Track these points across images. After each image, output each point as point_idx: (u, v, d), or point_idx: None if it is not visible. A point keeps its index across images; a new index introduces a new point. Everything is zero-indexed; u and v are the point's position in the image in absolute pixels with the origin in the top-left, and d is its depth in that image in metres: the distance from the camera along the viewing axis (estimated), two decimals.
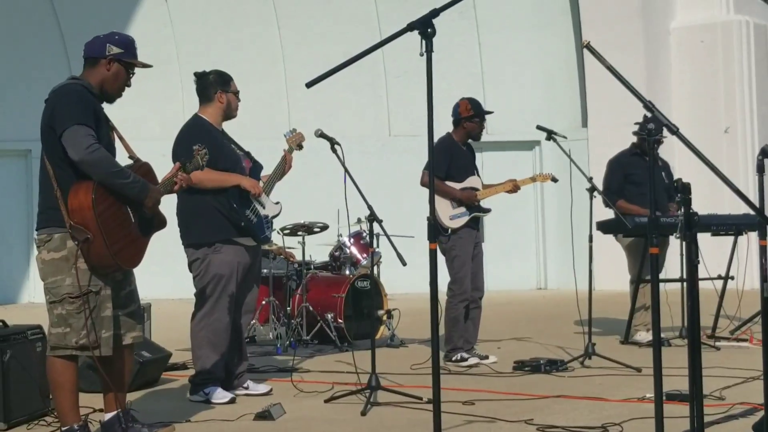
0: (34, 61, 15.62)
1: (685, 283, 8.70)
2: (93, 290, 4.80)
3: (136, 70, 5.16)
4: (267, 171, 6.86)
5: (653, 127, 3.44)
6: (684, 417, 4.52)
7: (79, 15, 15.44)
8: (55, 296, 4.82)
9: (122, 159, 5.09)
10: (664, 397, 5.81)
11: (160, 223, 5.15)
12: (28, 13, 15.86)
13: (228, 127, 6.82)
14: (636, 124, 3.78)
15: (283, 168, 6.87)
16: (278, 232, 9.75)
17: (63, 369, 4.84)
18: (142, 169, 5.08)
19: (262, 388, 6.69)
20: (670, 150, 15.07)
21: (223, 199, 6.40)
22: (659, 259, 8.85)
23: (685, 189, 3.32)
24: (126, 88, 5.12)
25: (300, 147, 7.00)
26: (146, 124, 15.15)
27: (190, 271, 6.54)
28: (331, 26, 15.74)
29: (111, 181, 4.77)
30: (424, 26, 3.61)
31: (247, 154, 6.75)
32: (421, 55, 3.62)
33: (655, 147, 8.73)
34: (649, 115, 3.45)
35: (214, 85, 6.61)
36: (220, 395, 6.32)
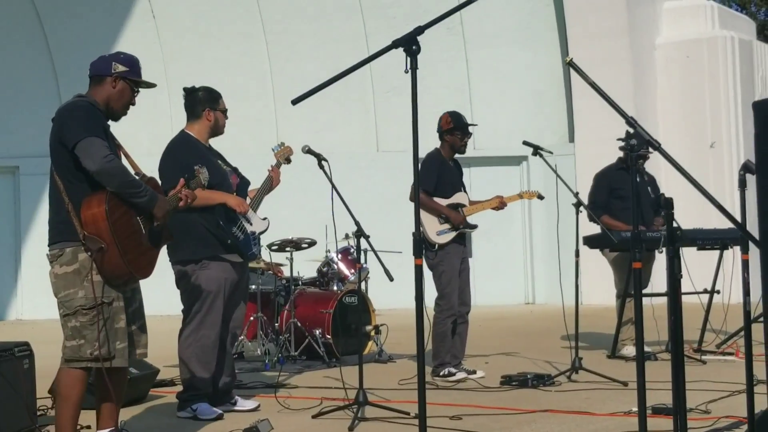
0: (22, 79, 15.63)
1: (678, 299, 8.79)
2: (106, 301, 4.83)
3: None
4: (255, 185, 6.88)
5: (635, 143, 3.48)
6: (669, 430, 4.54)
7: (67, 33, 15.47)
8: (69, 309, 4.84)
9: None
10: (649, 411, 5.92)
11: (168, 236, 5.24)
12: (16, 30, 15.87)
13: (217, 143, 6.84)
14: (619, 140, 3.83)
15: (271, 183, 6.90)
16: (266, 248, 9.78)
17: (73, 382, 4.86)
18: (150, 184, 5.13)
19: (250, 404, 6.68)
20: (656, 165, 15.15)
21: (210, 217, 6.41)
22: (644, 274, 9.01)
23: (668, 204, 3.35)
24: (131, 106, 5.18)
25: (288, 161, 7.03)
26: (135, 140, 15.09)
27: (177, 288, 6.55)
28: (319, 44, 15.81)
29: (125, 191, 4.83)
30: (409, 43, 3.64)
31: (234, 169, 6.75)
32: (406, 72, 3.65)
33: (640, 162, 8.87)
34: (631, 131, 3.48)
35: (202, 102, 6.62)
36: (208, 411, 6.32)
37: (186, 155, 6.29)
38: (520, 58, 16.38)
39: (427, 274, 7.73)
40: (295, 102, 3.74)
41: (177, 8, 16.19)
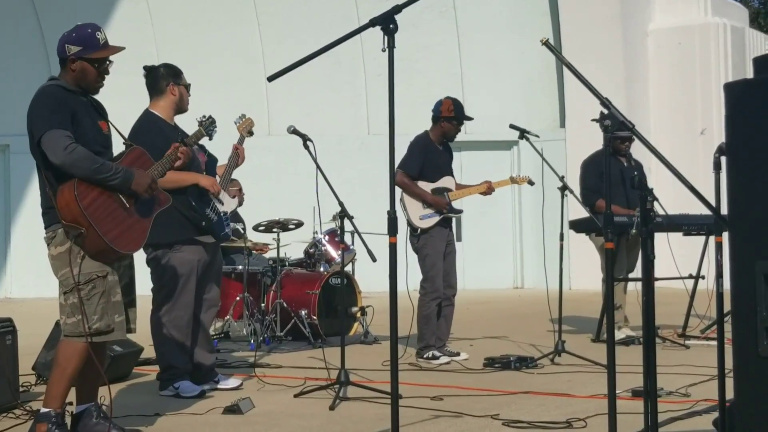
0: (13, 58, 15.60)
1: (651, 282, 8.82)
2: (99, 275, 4.86)
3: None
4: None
5: (609, 124, 3.49)
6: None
7: (58, 12, 15.43)
8: (66, 287, 4.88)
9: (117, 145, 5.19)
10: (629, 393, 5.96)
11: (163, 201, 5.23)
12: (8, 9, 15.83)
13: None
14: (593, 120, 3.85)
15: (237, 160, 6.84)
16: (252, 229, 9.80)
17: (72, 354, 4.88)
18: (133, 154, 5.14)
19: (232, 382, 6.71)
20: (647, 152, 15.20)
21: (183, 198, 6.34)
22: (631, 259, 9.03)
23: (641, 185, 3.37)
24: (105, 76, 5.12)
25: (251, 133, 6.95)
26: (127, 121, 15.13)
27: (148, 267, 6.54)
28: (312, 26, 15.79)
29: (93, 177, 4.82)
30: (386, 22, 3.64)
31: (201, 147, 6.64)
32: (383, 50, 3.65)
33: (626, 145, 8.89)
34: (605, 111, 3.50)
35: (165, 77, 6.54)
36: (190, 388, 6.35)
37: (153, 136, 6.17)
38: (513, 43, 16.37)
39: (412, 257, 7.80)
40: (270, 79, 3.75)
41: None
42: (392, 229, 3.68)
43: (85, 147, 4.86)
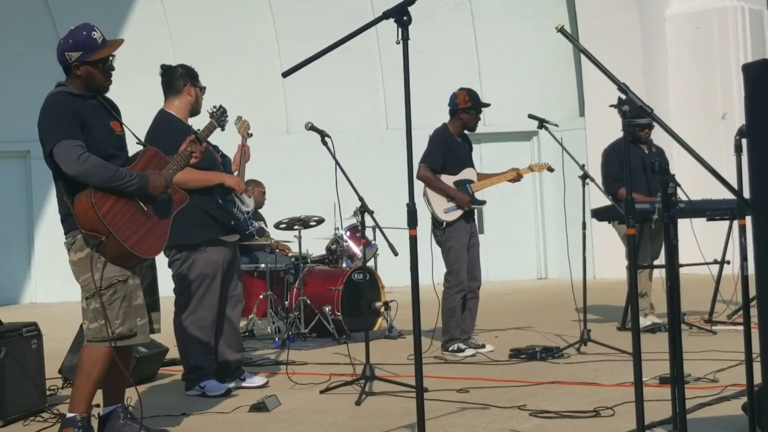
0: (31, 64, 15.65)
1: (674, 267, 8.76)
2: (120, 279, 4.85)
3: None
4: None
5: (628, 109, 3.46)
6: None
7: (75, 16, 15.44)
8: (88, 292, 4.88)
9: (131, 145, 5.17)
10: (656, 380, 5.92)
11: (180, 200, 5.20)
12: (24, 14, 15.90)
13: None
14: (611, 106, 3.80)
15: (246, 159, 6.86)
16: (274, 227, 9.81)
17: (96, 358, 4.88)
18: (147, 155, 5.10)
19: (258, 380, 6.72)
20: (667, 138, 15.10)
21: (209, 199, 6.38)
22: (656, 246, 8.98)
23: (662, 170, 3.34)
24: (112, 72, 5.10)
25: (250, 134, 6.94)
26: (141, 120, 15.17)
27: (170, 268, 6.55)
28: (326, 22, 15.76)
29: (108, 186, 4.80)
30: (400, 14, 3.62)
31: (215, 148, 6.68)
32: (398, 43, 3.63)
33: (646, 132, 8.83)
34: (623, 97, 3.47)
35: (183, 77, 6.54)
36: (216, 387, 6.36)
37: (171, 136, 6.08)
38: (529, 33, 16.29)
39: (436, 251, 7.78)
40: (285, 74, 3.74)
41: None
42: (412, 222, 3.66)
43: (98, 151, 4.83)
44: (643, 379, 5.94)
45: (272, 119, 15.86)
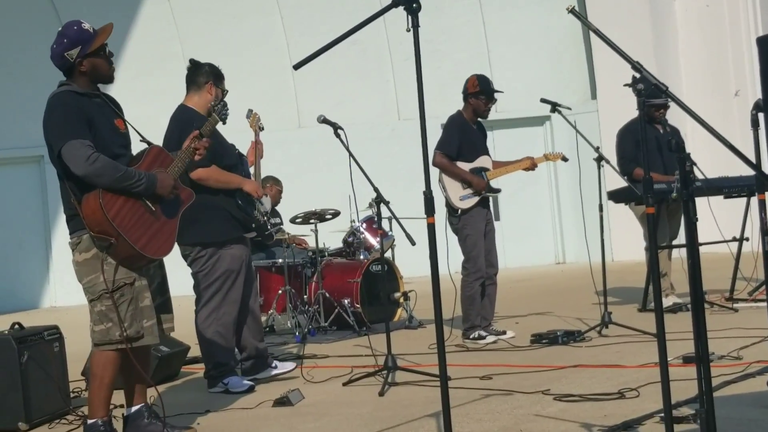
0: (42, 69, 15.64)
1: (695, 245, 8.72)
2: (127, 282, 4.83)
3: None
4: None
5: (642, 88, 3.44)
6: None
7: (82, 16, 15.47)
8: (93, 294, 4.86)
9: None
10: (680, 360, 5.90)
11: (186, 198, 5.16)
12: (34, 19, 15.93)
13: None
14: (625, 85, 3.77)
15: (260, 156, 6.87)
16: (290, 222, 9.81)
17: (106, 363, 4.88)
18: (152, 154, 5.07)
19: (289, 365, 6.78)
20: (682, 117, 15.00)
21: (231, 200, 6.46)
22: (674, 225, 8.93)
23: (679, 148, 3.32)
24: (112, 60, 5.05)
25: (261, 128, 6.94)
26: (153, 120, 15.14)
27: (191, 267, 6.56)
28: (334, 16, 15.73)
29: (117, 186, 4.77)
30: (409, 2, 3.60)
31: (232, 146, 6.75)
32: (408, 30, 3.61)
33: (661, 112, 8.77)
34: (638, 75, 3.44)
35: (207, 74, 6.56)
36: (239, 384, 6.38)
37: (190, 128, 6.06)
38: (538, 17, 16.23)
39: (452, 239, 7.77)
40: (296, 66, 3.72)
41: None
42: (429, 209, 3.65)
43: (104, 150, 4.80)
44: (669, 359, 5.98)
45: (284, 114, 15.84)
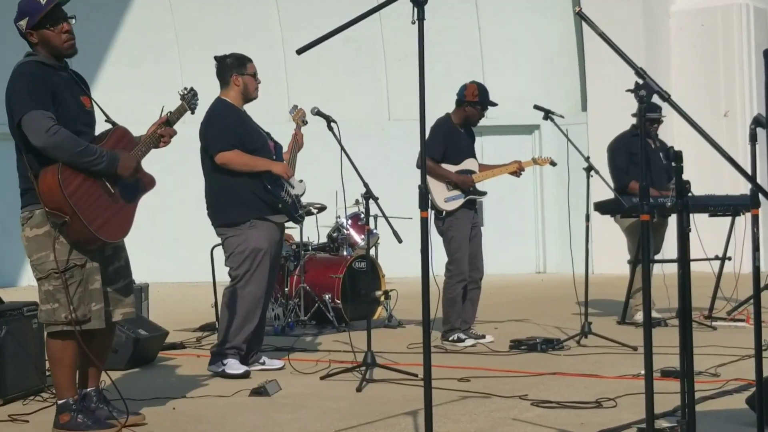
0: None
1: (687, 256, 8.75)
2: (78, 264, 4.73)
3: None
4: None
5: (644, 94, 3.44)
6: (677, 393, 4.56)
7: (77, 2, 15.41)
8: (41, 272, 4.76)
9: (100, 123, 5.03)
10: (658, 374, 5.91)
11: (148, 184, 5.04)
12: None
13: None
14: (627, 90, 3.75)
15: (298, 146, 7.00)
16: None
17: (62, 347, 4.80)
18: (117, 134, 4.93)
19: (278, 362, 6.79)
20: (670, 135, 15.03)
21: (257, 183, 6.51)
22: (656, 240, 8.96)
23: (677, 157, 3.32)
24: (67, 36, 4.81)
25: (304, 122, 7.12)
26: (146, 108, 15.09)
27: (224, 250, 6.61)
28: (331, 11, 15.70)
29: (77, 161, 4.64)
30: None
31: (268, 134, 6.84)
32: (413, 23, 3.60)
33: (655, 126, 8.79)
34: (640, 82, 3.45)
35: (230, 68, 6.70)
36: (236, 367, 6.40)
37: (228, 119, 6.43)
38: (533, 25, 16.26)
39: (437, 240, 7.76)
40: (300, 51, 3.70)
41: None
42: (423, 204, 3.65)
43: (67, 126, 4.67)
44: (644, 372, 5.99)
45: (275, 107, 15.75)
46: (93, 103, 5.02)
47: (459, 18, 16.20)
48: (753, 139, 4.11)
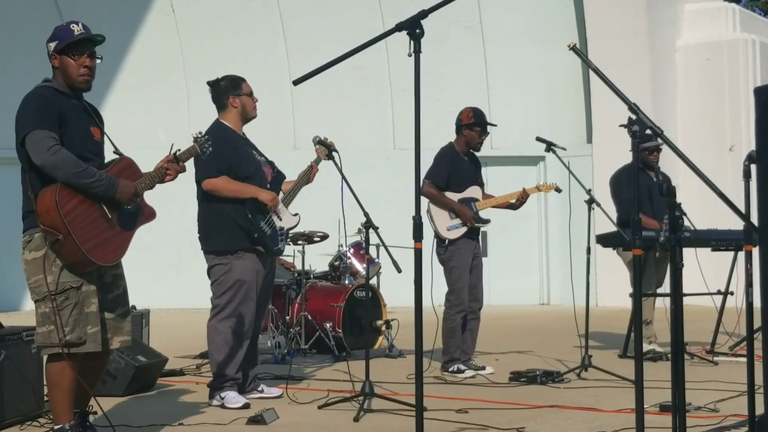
0: (35, 73, 15.65)
1: (679, 290, 8.72)
2: (73, 286, 4.77)
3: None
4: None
5: (637, 129, 3.46)
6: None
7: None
8: (38, 295, 4.80)
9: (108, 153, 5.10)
10: (656, 408, 5.89)
11: (148, 215, 5.09)
12: (37, 25, 15.92)
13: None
14: (621, 126, 3.77)
15: (308, 178, 6.90)
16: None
17: (60, 370, 4.81)
18: (122, 164, 5.01)
19: (276, 391, 6.76)
20: (675, 167, 15.04)
21: (240, 209, 6.46)
22: (660, 274, 8.94)
23: (670, 192, 3.33)
24: (85, 70, 4.94)
25: (329, 157, 6.86)
26: (152, 132, 15.22)
27: (209, 277, 6.58)
28: (337, 39, 15.80)
29: (75, 182, 4.70)
30: (413, 26, 3.62)
31: (270, 162, 6.80)
32: (409, 55, 3.63)
33: (655, 155, 8.78)
34: (633, 117, 3.46)
35: (225, 92, 6.68)
36: (235, 399, 6.34)
37: (220, 144, 6.23)
38: (539, 57, 16.32)
39: (438, 269, 7.76)
40: (296, 82, 3.73)
41: (196, 3, 16.23)
42: (418, 235, 3.66)
43: (73, 150, 4.75)
44: (645, 407, 5.97)
45: (280, 134, 15.87)
46: (104, 135, 5.10)
47: (465, 50, 16.27)
48: (746, 175, 4.12)
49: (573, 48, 3.79)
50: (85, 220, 4.74)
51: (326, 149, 6.87)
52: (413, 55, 3.62)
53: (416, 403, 3.49)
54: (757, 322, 4.80)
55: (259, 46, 16.26)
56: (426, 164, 7.97)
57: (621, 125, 3.71)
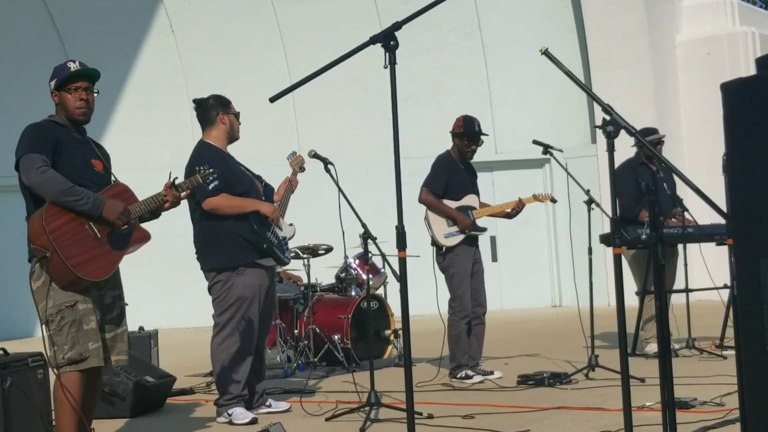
0: (39, 102, 15.75)
1: (687, 292, 8.71)
2: (68, 305, 4.88)
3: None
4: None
5: (612, 130, 3.49)
6: (683, 423, 4.58)
7: (88, 50, 15.60)
8: (43, 320, 4.93)
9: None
10: (660, 405, 5.89)
11: (142, 237, 5.17)
12: (37, 46, 16.03)
13: (240, 153, 6.91)
14: (596, 127, 3.78)
15: (292, 189, 7.06)
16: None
17: (69, 386, 4.90)
18: (116, 189, 5.13)
19: (284, 405, 6.80)
20: (680, 160, 15.02)
21: (243, 224, 6.51)
22: (668, 271, 8.94)
23: (649, 190, 3.35)
24: (81, 103, 5.10)
25: (302, 169, 7.15)
26: (156, 153, 15.30)
27: (210, 294, 6.62)
28: (338, 52, 15.80)
29: (62, 199, 4.84)
30: (387, 39, 3.67)
31: (258, 177, 6.86)
32: (385, 67, 3.68)
33: (658, 148, 8.77)
34: (608, 118, 3.50)
35: (214, 107, 6.71)
36: (242, 416, 6.36)
37: (211, 163, 6.21)
38: (540, 60, 16.22)
39: (440, 277, 7.81)
40: (272, 99, 3.78)
41: (196, 23, 16.31)
42: (401, 244, 3.70)
43: (69, 176, 4.90)
44: (648, 404, 5.99)
45: (284, 149, 15.88)
46: (108, 171, 5.23)
47: (466, 56, 16.29)
48: (726, 170, 4.14)
49: (545, 53, 3.83)
50: (71, 237, 4.86)
51: (299, 162, 7.12)
52: (389, 66, 3.66)
53: (407, 409, 3.52)
54: None
55: (260, 62, 16.32)
56: (426, 172, 8.03)
57: (596, 126, 3.74)
